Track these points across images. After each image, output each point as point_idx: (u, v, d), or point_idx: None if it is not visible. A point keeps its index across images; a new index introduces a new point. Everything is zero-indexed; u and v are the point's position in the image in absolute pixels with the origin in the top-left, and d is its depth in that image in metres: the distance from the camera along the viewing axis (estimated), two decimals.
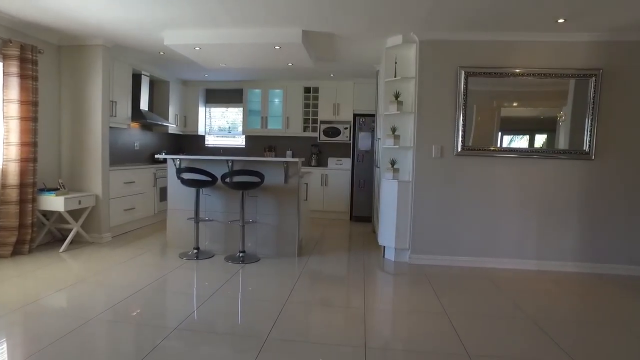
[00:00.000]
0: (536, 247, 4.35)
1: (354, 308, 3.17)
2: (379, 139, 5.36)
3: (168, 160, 4.82)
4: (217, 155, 7.94)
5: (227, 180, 4.33)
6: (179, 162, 4.75)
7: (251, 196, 4.66)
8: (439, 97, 4.35)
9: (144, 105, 6.61)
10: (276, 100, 7.75)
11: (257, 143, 8.08)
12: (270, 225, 4.65)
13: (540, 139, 4.25)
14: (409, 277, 4.05)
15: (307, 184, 5.02)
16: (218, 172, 4.67)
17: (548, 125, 4.24)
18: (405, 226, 4.49)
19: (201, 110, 8.08)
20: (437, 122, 4.36)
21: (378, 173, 5.57)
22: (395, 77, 4.58)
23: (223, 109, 8.27)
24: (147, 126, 7.17)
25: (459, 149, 4.31)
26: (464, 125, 4.28)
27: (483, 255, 4.41)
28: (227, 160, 4.62)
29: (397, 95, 4.50)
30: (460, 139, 4.30)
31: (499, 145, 4.29)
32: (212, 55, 5.19)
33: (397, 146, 4.45)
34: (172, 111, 7.42)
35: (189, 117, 7.95)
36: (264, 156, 7.74)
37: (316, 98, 7.56)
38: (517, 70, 4.20)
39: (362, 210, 7.09)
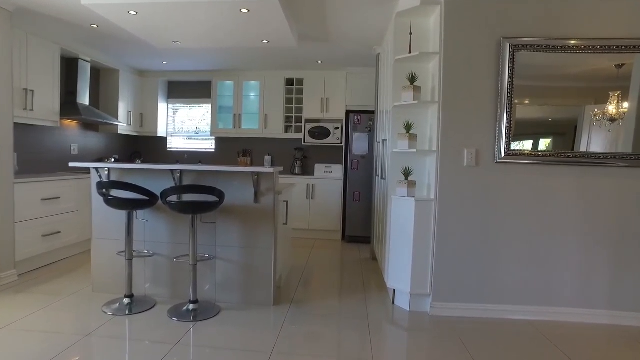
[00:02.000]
0: (608, 291, 3.09)
1: None
2: (383, 140, 4.06)
3: (91, 170, 3.44)
4: (181, 162, 6.57)
5: (170, 199, 2.98)
6: (107, 172, 3.38)
7: (206, 222, 3.31)
8: (473, 81, 3.07)
9: (83, 98, 5.21)
10: (252, 94, 6.41)
11: (229, 146, 6.71)
12: (234, 263, 3.31)
13: (612, 138, 3.00)
14: (431, 335, 2.76)
15: (287, 201, 3.68)
16: (162, 187, 3.31)
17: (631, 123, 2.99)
18: (425, 262, 3.19)
19: (162, 106, 6.69)
20: (471, 116, 3.08)
21: (380, 184, 4.27)
22: (410, 52, 3.29)
23: (189, 106, 6.89)
24: (91, 125, 5.76)
25: (502, 154, 3.04)
26: (509, 120, 3.01)
27: (534, 303, 3.13)
28: (173, 172, 3.26)
29: (412, 79, 3.21)
30: (504, 139, 3.02)
31: (559, 148, 3.02)
32: (157, 26, 3.83)
33: (414, 150, 3.15)
34: (123, 107, 6.02)
35: (146, 115, 6.55)
36: (237, 163, 6.39)
37: (300, 92, 6.24)
38: (588, 42, 2.94)
39: (357, 228, 5.78)
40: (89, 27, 4.22)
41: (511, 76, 2.99)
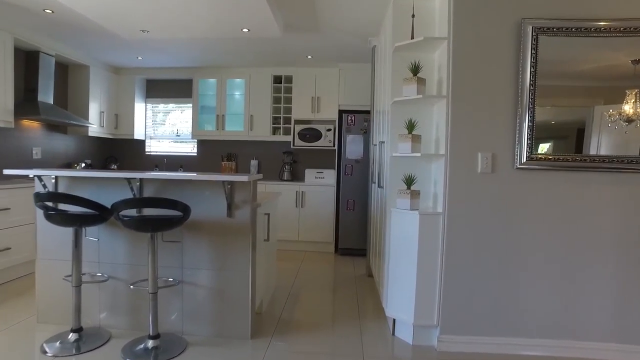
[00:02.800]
0: None
1: None
2: (380, 142, 3.54)
3: (35, 179, 2.89)
4: (160, 168, 6.04)
5: (124, 214, 2.45)
6: (53, 180, 2.85)
7: (169, 241, 2.77)
8: (488, 71, 2.57)
9: (45, 96, 4.66)
10: (236, 93, 5.89)
11: (212, 150, 6.18)
12: (205, 288, 2.77)
13: None
14: None
15: (268, 214, 3.16)
16: (120, 198, 2.78)
17: None
18: (432, 288, 2.67)
19: (139, 107, 6.15)
20: (486, 113, 2.58)
21: (376, 192, 3.76)
22: (412, 38, 2.79)
23: (170, 106, 6.35)
24: (58, 127, 5.21)
25: (524, 159, 2.53)
26: (531, 119, 2.51)
27: (561, 337, 2.62)
28: (130, 181, 2.72)
29: (415, 69, 2.70)
30: (525, 141, 2.52)
31: (592, 152, 2.52)
32: (120, 13, 3.31)
33: (418, 154, 2.64)
34: (94, 107, 5.48)
35: (122, 115, 6.01)
36: (220, 168, 5.86)
37: (289, 90, 5.73)
38: (625, 23, 2.45)
39: (351, 240, 5.26)
40: (42, 13, 3.69)
41: (534, 65, 2.49)
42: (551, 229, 2.57)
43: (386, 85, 3.30)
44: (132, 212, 2.72)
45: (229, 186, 2.66)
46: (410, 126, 2.72)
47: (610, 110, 2.48)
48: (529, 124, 2.51)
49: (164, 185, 2.75)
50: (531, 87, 2.49)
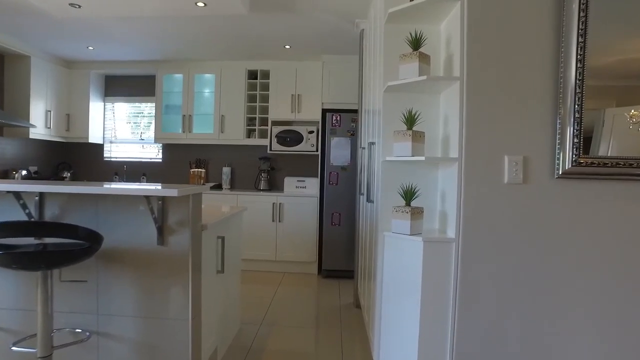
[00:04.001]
0: None
1: None
2: (369, 144, 2.81)
3: None
4: (120, 176, 5.25)
5: None
6: None
7: (72, 281, 2.01)
8: (517, 44, 1.86)
9: None
10: (206, 90, 5.14)
11: (179, 155, 5.41)
12: (129, 342, 2.01)
13: None
14: None
15: (222, 238, 2.40)
16: (8, 219, 2.02)
17: None
18: (440, 341, 1.93)
19: (96, 106, 5.37)
20: (514, 103, 1.86)
21: (365, 207, 3.03)
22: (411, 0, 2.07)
23: (131, 105, 5.58)
24: None
25: (568, 164, 1.82)
26: (580, 108, 1.79)
27: None
28: (19, 195, 1.96)
29: (416, 41, 1.98)
30: (570, 139, 1.81)
31: None
32: None
33: (421, 157, 1.91)
34: (39, 106, 4.69)
35: (75, 116, 5.23)
36: (188, 176, 5.09)
37: (266, 87, 5.00)
38: None
39: (336, 260, 4.51)
40: None
41: (583, 34, 1.78)
42: (604, 258, 1.85)
43: (377, 70, 2.58)
44: (29, 240, 1.95)
45: (161, 203, 1.91)
46: (410, 119, 1.99)
47: None
48: (576, 115, 1.79)
49: (74, 202, 1.98)
50: (578, 64, 1.79)
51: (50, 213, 2.00)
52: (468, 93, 1.87)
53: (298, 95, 4.86)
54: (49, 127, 4.89)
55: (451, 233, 1.94)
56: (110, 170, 5.52)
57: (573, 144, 1.80)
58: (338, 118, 4.48)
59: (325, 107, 4.74)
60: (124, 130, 5.60)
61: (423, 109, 2.17)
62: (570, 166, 1.81)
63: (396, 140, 2.01)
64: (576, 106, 1.79)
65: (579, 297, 1.85)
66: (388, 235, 2.06)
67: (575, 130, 1.79)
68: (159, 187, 1.76)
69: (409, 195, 2.00)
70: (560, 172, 1.83)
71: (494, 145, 1.87)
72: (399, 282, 2.03)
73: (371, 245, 2.70)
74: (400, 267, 2.02)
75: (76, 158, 5.56)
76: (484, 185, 1.87)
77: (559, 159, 1.83)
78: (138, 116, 5.56)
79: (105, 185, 1.80)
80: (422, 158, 1.91)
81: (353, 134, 4.45)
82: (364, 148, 3.22)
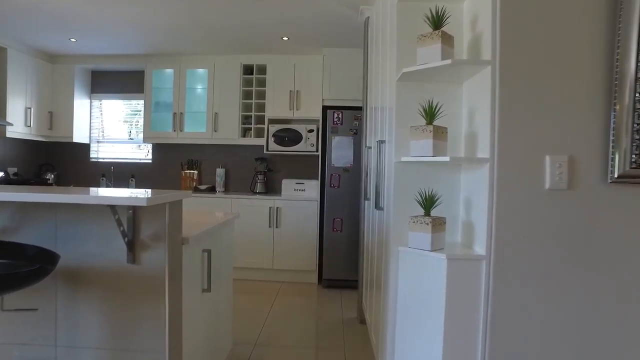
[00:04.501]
0: None
1: None
2: (378, 142, 2.48)
3: None
4: (107, 178, 4.93)
5: None
6: None
7: (12, 310, 1.68)
8: (561, 27, 1.54)
9: None
10: (198, 86, 4.82)
11: (170, 156, 5.08)
12: None
13: None
14: None
15: (208, 251, 2.07)
16: None
17: None
18: None
19: (81, 103, 5.04)
20: (558, 94, 1.54)
21: (372, 214, 2.71)
22: None
23: (119, 102, 5.26)
24: None
25: (625, 166, 1.50)
26: None
27: None
28: None
29: (437, 19, 1.66)
30: (629, 137, 1.48)
31: None
32: None
33: (444, 158, 1.59)
34: (17, 102, 4.36)
35: (59, 114, 4.89)
36: (180, 178, 4.77)
37: (262, 82, 4.67)
38: None
39: (338, 268, 4.19)
40: None
41: None
42: None
43: (388, 57, 2.25)
44: None
45: (131, 212, 1.58)
46: (430, 112, 1.67)
47: None
48: (637, 107, 1.47)
49: (29, 213, 1.65)
50: None
51: (2, 219, 1.67)
52: (502, 80, 1.54)
53: (297, 91, 4.53)
54: (29, 126, 4.56)
55: (480, 249, 1.61)
56: (98, 172, 5.18)
57: (632, 142, 1.48)
58: (340, 116, 4.15)
59: (326, 104, 4.41)
60: (120, 130, 5.27)
61: (442, 102, 1.84)
62: (627, 168, 1.49)
63: (413, 138, 1.69)
64: (635, 99, 1.47)
65: None
66: (404, 251, 1.73)
67: (634, 124, 1.47)
68: (127, 194, 1.43)
69: (428, 202, 1.68)
70: (615, 176, 1.51)
71: (533, 143, 1.54)
72: (417, 304, 1.71)
73: (380, 258, 2.38)
74: (419, 288, 1.70)
75: (60, 159, 5.23)
76: (521, 191, 1.55)
77: (613, 159, 1.51)
78: (137, 114, 5.22)
79: (61, 194, 1.47)
80: (446, 158, 1.58)
81: (356, 133, 4.12)
82: (370, 147, 2.89)
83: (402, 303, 1.79)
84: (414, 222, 1.67)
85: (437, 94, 1.87)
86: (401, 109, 1.89)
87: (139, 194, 1.52)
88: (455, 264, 1.58)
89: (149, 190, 1.75)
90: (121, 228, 1.54)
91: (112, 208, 1.49)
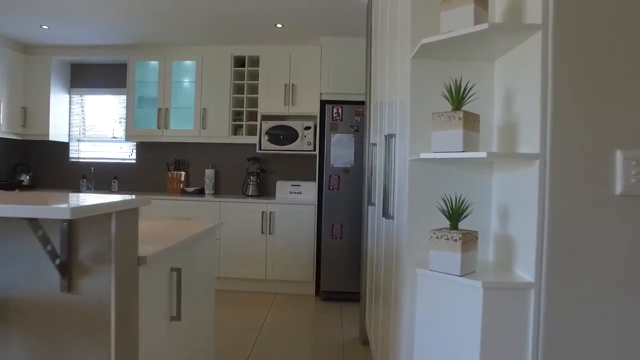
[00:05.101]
0: None
1: None
2: (388, 136, 2.10)
3: None
4: (88, 180, 4.55)
5: None
6: None
7: None
8: None
9: None
10: (185, 80, 4.43)
11: (155, 155, 4.69)
12: None
13: None
14: None
15: (178, 270, 1.67)
16: None
17: None
18: None
19: (59, 98, 4.65)
20: (632, 70, 1.15)
21: (377, 221, 2.32)
22: None
23: (102, 97, 4.87)
24: None
25: None
26: None
27: None
28: None
29: None
30: None
31: None
32: None
33: (481, 154, 1.20)
34: None
35: (33, 110, 4.50)
36: (167, 178, 4.39)
37: (255, 75, 4.29)
38: None
39: (337, 279, 3.80)
40: None
41: None
42: None
43: (399, 29, 1.87)
44: None
45: (65, 225, 1.19)
46: (458, 94, 1.28)
47: None
48: None
49: None
50: None
51: None
52: (557, 51, 1.16)
53: (292, 85, 4.15)
54: None
55: (525, 272, 1.23)
56: (78, 173, 4.78)
57: None
58: (339, 111, 3.77)
59: (325, 98, 4.02)
60: (104, 127, 4.87)
61: (479, 79, 1.46)
62: None
63: (436, 128, 1.30)
64: None
65: None
66: (424, 275, 1.34)
67: None
68: (45, 206, 1.03)
69: (456, 212, 1.29)
70: None
71: (599, 135, 1.16)
72: (440, 338, 1.32)
73: (389, 274, 1.99)
74: (444, 320, 1.31)
75: (37, 159, 4.83)
76: (583, 197, 1.16)
77: None
78: (106, 105, 4.84)
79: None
80: (482, 154, 1.19)
81: (358, 130, 3.74)
82: (374, 144, 2.51)
83: (420, 336, 1.40)
84: (436, 237, 1.28)
85: (461, 74, 1.49)
86: (418, 93, 1.51)
87: (72, 200, 1.13)
88: (493, 293, 1.19)
89: (102, 196, 1.36)
90: (48, 247, 1.15)
91: (33, 222, 1.10)
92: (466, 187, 1.49)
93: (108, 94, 4.82)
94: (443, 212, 1.32)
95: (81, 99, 4.89)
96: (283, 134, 4.10)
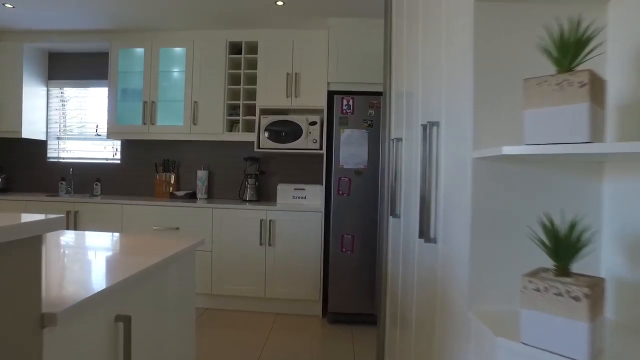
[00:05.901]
0: None
1: None
2: (427, 125, 1.56)
3: None
4: (67, 182, 4.05)
5: None
6: None
7: None
8: None
9: None
10: (174, 69, 3.91)
11: (141, 155, 4.18)
12: None
13: None
14: None
15: (126, 320, 1.14)
16: None
17: None
18: None
19: (35, 91, 4.15)
20: None
21: (401, 234, 1.79)
22: None
23: (84, 90, 4.36)
24: None
25: None
26: None
27: None
28: None
29: None
30: None
31: None
32: None
33: (637, 148, 0.67)
34: None
35: (4, 104, 4.00)
36: (154, 181, 3.89)
37: (253, 64, 3.77)
38: None
39: (347, 299, 3.26)
40: None
41: None
42: None
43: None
44: None
45: None
46: (575, 41, 0.75)
47: None
48: None
49: None
50: None
51: None
52: None
53: (295, 74, 3.62)
54: None
55: None
56: (57, 175, 4.28)
57: None
58: (350, 103, 3.24)
59: (333, 88, 3.49)
60: (88, 124, 4.37)
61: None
62: None
63: (533, 104, 0.77)
64: None
65: None
66: (511, 350, 0.80)
67: None
68: None
69: (568, 245, 0.75)
70: None
71: None
72: None
73: (428, 312, 1.45)
74: None
75: (11, 159, 4.33)
76: None
77: None
78: (87, 99, 4.34)
79: None
80: (638, 145, 0.66)
81: (372, 125, 3.21)
82: (399, 139, 1.97)
83: None
84: (533, 287, 0.75)
85: (550, 23, 0.95)
86: (485, 53, 0.98)
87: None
88: None
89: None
90: None
91: None
92: (560, 200, 0.96)
93: (92, 87, 4.31)
94: (542, 243, 0.79)
95: (61, 92, 4.39)
96: (285, 131, 3.57)
